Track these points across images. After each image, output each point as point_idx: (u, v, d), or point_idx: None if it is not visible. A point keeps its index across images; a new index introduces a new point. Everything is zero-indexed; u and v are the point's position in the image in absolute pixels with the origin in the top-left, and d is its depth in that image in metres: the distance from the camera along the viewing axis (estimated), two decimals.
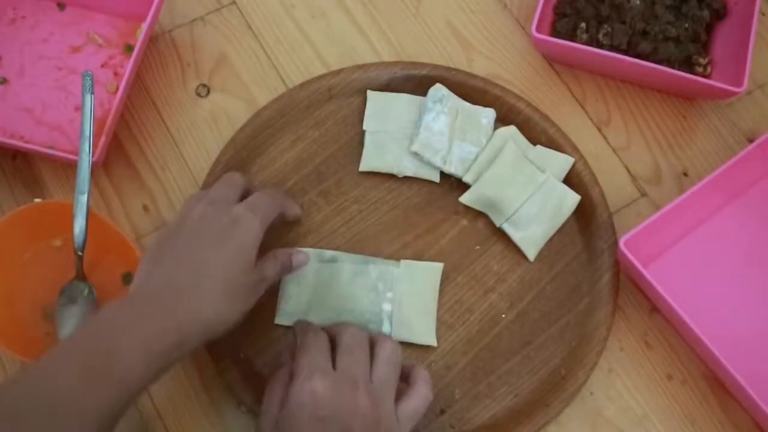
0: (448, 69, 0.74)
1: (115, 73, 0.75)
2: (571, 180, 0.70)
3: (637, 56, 0.73)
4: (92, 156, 0.65)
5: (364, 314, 0.65)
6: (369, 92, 0.73)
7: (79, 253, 0.64)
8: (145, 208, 0.71)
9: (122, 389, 0.50)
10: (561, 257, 0.69)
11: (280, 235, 0.68)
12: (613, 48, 0.73)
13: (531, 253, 0.68)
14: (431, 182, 0.71)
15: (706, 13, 0.75)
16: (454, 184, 0.70)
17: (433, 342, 0.65)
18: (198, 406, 0.64)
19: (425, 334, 0.65)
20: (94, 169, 0.65)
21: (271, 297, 0.66)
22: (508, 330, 0.66)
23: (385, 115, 0.72)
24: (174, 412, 0.64)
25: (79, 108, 0.69)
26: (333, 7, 0.79)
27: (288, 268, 0.64)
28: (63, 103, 0.73)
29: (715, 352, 0.60)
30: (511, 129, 0.71)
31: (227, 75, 0.76)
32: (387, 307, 0.65)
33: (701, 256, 0.69)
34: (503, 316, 0.67)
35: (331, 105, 0.73)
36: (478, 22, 0.79)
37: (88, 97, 0.65)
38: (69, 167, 0.71)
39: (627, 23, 0.74)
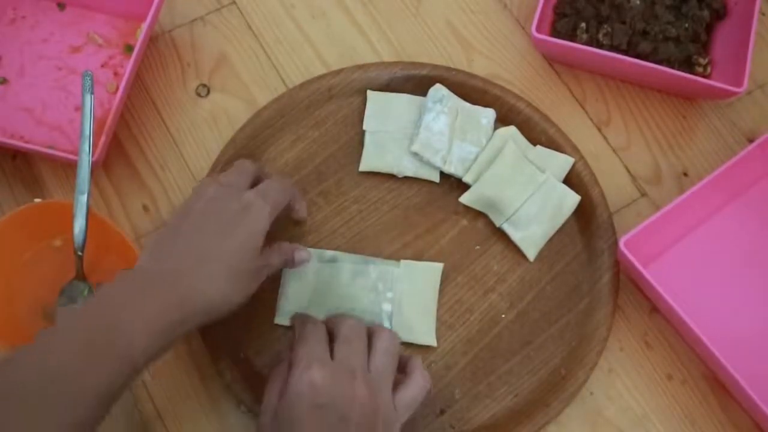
0: (448, 69, 0.74)
1: (115, 73, 0.75)
2: (571, 180, 0.70)
3: (637, 56, 0.73)
4: (92, 156, 0.65)
5: (364, 314, 0.65)
6: (369, 92, 0.73)
7: (79, 253, 0.64)
8: (145, 208, 0.71)
9: (122, 366, 0.50)
10: (561, 257, 0.69)
11: (281, 233, 0.68)
12: (613, 48, 0.73)
13: (531, 253, 0.68)
14: (431, 182, 0.71)
15: (706, 13, 0.75)
16: (454, 184, 0.70)
17: (433, 342, 0.65)
18: (198, 406, 0.64)
19: (425, 334, 0.65)
20: (94, 169, 0.65)
21: (270, 297, 0.66)
22: (508, 330, 0.66)
23: (385, 115, 0.72)
24: (174, 412, 0.64)
25: (79, 108, 0.69)
26: (333, 7, 0.79)
27: (290, 262, 0.64)
28: (63, 103, 0.73)
29: (715, 352, 0.60)
30: (511, 129, 0.71)
31: (227, 75, 0.76)
32: (387, 307, 0.65)
33: (701, 256, 0.69)
34: (503, 316, 0.67)
35: (331, 105, 0.73)
36: (478, 22, 0.79)
37: (88, 97, 0.65)
38: (69, 167, 0.71)
39: (627, 23, 0.74)
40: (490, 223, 0.69)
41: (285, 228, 0.68)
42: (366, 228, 0.69)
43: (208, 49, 0.77)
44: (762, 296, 0.68)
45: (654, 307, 0.67)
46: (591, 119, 0.75)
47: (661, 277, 0.62)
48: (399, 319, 0.65)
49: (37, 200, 0.69)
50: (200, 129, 0.74)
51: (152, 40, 0.77)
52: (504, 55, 0.78)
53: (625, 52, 0.73)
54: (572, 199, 0.69)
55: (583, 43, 0.74)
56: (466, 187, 0.69)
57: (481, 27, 0.79)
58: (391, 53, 0.77)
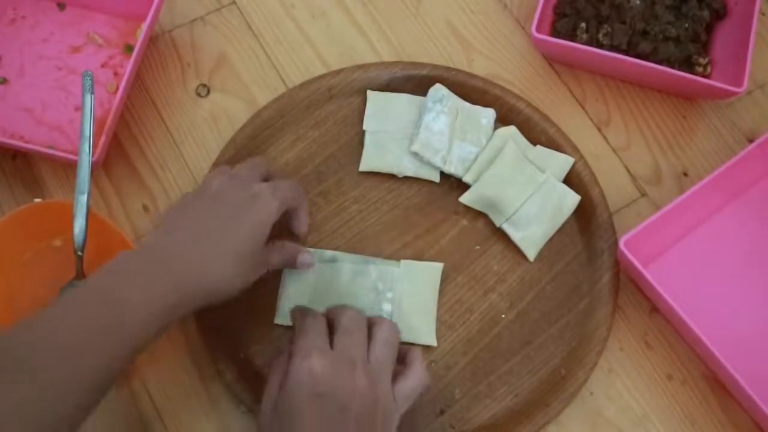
0: (448, 69, 0.74)
1: (115, 73, 0.75)
2: (571, 180, 0.70)
3: (637, 56, 0.73)
4: (92, 156, 0.65)
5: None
6: (369, 92, 0.73)
7: (79, 253, 0.64)
8: (145, 208, 0.71)
9: (122, 346, 0.51)
10: (561, 257, 0.69)
11: (281, 235, 0.68)
12: (613, 48, 0.73)
13: (531, 253, 0.68)
14: (431, 182, 0.71)
15: (706, 13, 0.75)
16: (454, 184, 0.70)
17: (433, 342, 0.65)
18: (198, 406, 0.64)
19: (425, 334, 0.65)
20: (94, 169, 0.65)
21: (271, 297, 0.66)
22: (508, 330, 0.66)
23: (385, 115, 0.72)
24: (174, 412, 0.64)
25: (79, 108, 0.69)
26: (333, 7, 0.79)
27: (291, 263, 0.64)
28: (63, 103, 0.73)
29: (715, 352, 0.60)
30: (511, 129, 0.71)
31: (227, 75, 0.76)
32: (387, 307, 0.65)
33: (701, 256, 0.69)
34: (503, 316, 0.67)
35: (331, 105, 0.74)
36: (478, 22, 0.79)
37: (88, 97, 0.65)
38: (69, 167, 0.71)
39: (627, 23, 0.74)
40: (490, 223, 0.69)
41: (285, 230, 0.68)
42: (366, 228, 0.69)
43: (208, 49, 0.77)
44: (762, 296, 0.68)
45: (654, 307, 0.67)
46: (591, 119, 0.75)
47: (661, 277, 0.62)
48: (399, 319, 0.65)
49: (37, 200, 0.69)
50: (200, 129, 0.74)
51: (152, 40, 0.77)
52: (504, 55, 0.78)
53: (625, 52, 0.73)
54: (572, 199, 0.69)
55: (583, 43, 0.74)
56: (466, 187, 0.69)
57: (481, 27, 0.79)
58: (391, 53, 0.77)
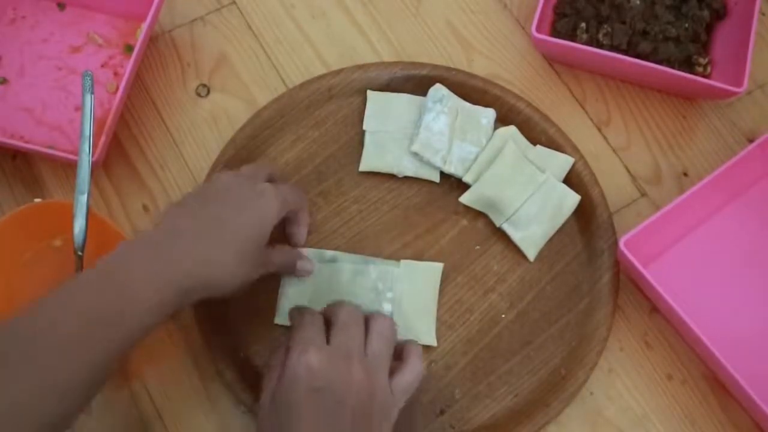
0: (448, 69, 0.74)
1: (115, 73, 0.75)
2: (571, 180, 0.70)
3: (637, 56, 0.73)
4: (92, 156, 0.65)
5: None
6: (369, 92, 0.73)
7: (79, 253, 0.64)
8: (145, 208, 0.71)
9: (123, 334, 0.51)
10: (561, 257, 0.69)
11: (282, 239, 0.68)
12: (613, 48, 0.73)
13: (531, 253, 0.68)
14: (431, 182, 0.71)
15: (706, 13, 0.75)
16: (454, 184, 0.70)
17: (434, 342, 0.65)
18: (198, 406, 0.64)
19: (425, 334, 0.65)
20: (94, 169, 0.65)
21: (271, 297, 0.66)
22: (508, 330, 0.66)
23: (385, 115, 0.72)
24: (174, 412, 0.64)
25: (79, 108, 0.69)
26: (333, 7, 0.79)
27: (291, 267, 0.64)
28: (63, 103, 0.73)
29: (715, 352, 0.60)
30: (511, 129, 0.71)
31: (227, 75, 0.76)
32: (387, 307, 0.65)
33: (701, 256, 0.69)
34: (503, 316, 0.67)
35: (331, 105, 0.74)
36: (478, 22, 0.79)
37: (88, 97, 0.65)
38: (69, 167, 0.71)
39: (627, 23, 0.74)
40: (490, 223, 0.69)
41: (285, 242, 0.68)
42: (366, 228, 0.69)
43: (208, 49, 0.77)
44: (762, 296, 0.68)
45: (654, 307, 0.67)
46: (591, 119, 0.75)
47: (661, 277, 0.62)
48: (399, 319, 0.65)
49: (37, 200, 0.69)
50: (200, 129, 0.74)
51: (152, 40, 0.77)
52: (504, 55, 0.78)
53: (625, 52, 0.73)
54: (572, 199, 0.69)
55: (583, 43, 0.74)
56: (466, 187, 0.69)
57: (481, 27, 0.79)
58: (391, 53, 0.77)
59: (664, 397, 0.65)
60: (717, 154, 0.74)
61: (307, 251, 0.67)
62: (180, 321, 0.66)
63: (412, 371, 0.57)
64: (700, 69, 0.74)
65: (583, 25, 0.75)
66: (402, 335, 0.64)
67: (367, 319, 0.58)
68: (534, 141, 0.72)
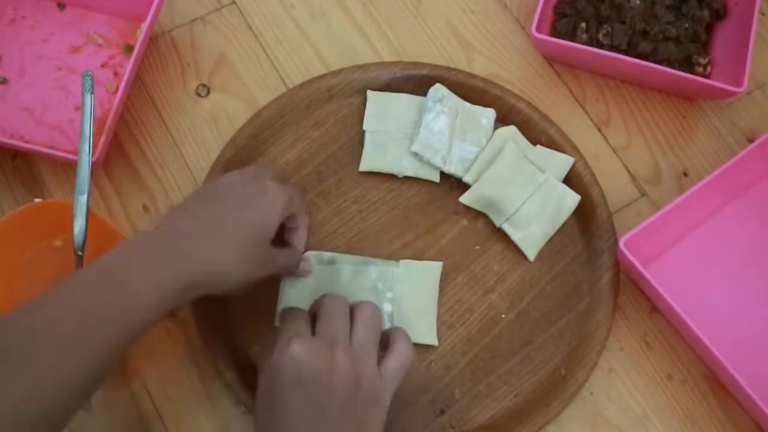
0: (448, 69, 0.74)
1: (115, 73, 0.75)
2: (571, 180, 0.70)
3: (637, 56, 0.73)
4: (92, 156, 0.65)
5: None
6: (369, 92, 0.73)
7: (79, 253, 0.64)
8: (145, 208, 0.71)
9: (124, 330, 0.51)
10: (561, 257, 0.69)
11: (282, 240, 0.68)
12: (613, 48, 0.73)
13: (531, 253, 0.68)
14: (431, 182, 0.71)
15: (706, 13, 0.75)
16: (454, 184, 0.70)
17: (434, 341, 0.65)
18: (198, 406, 0.64)
19: (425, 333, 0.65)
20: (94, 169, 0.65)
21: (270, 297, 0.66)
22: (508, 330, 0.66)
23: (385, 115, 0.72)
24: (174, 412, 0.64)
25: (79, 108, 0.69)
26: (333, 7, 0.79)
27: (293, 268, 0.65)
28: (63, 103, 0.73)
29: (715, 352, 0.60)
30: (511, 129, 0.71)
31: (227, 75, 0.76)
32: (387, 307, 0.65)
33: (701, 256, 0.69)
34: (503, 316, 0.67)
35: (331, 105, 0.74)
36: (478, 22, 0.79)
37: (88, 97, 0.65)
38: (69, 167, 0.71)
39: (627, 23, 0.74)
40: (490, 223, 0.69)
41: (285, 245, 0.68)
42: (366, 228, 0.69)
43: (208, 49, 0.77)
44: (762, 296, 0.68)
45: (654, 307, 0.67)
46: (591, 119, 0.75)
47: (661, 277, 0.62)
48: (399, 319, 0.65)
49: (37, 200, 0.69)
50: (200, 129, 0.74)
51: (152, 40, 0.77)
52: (504, 55, 0.78)
53: (625, 52, 0.73)
54: (572, 199, 0.69)
55: (583, 43, 0.74)
56: (466, 187, 0.69)
57: (481, 27, 0.79)
58: (391, 53, 0.77)
59: (664, 397, 0.65)
60: (717, 154, 0.74)
61: (306, 253, 0.67)
62: (179, 320, 0.66)
63: (399, 355, 0.57)
64: (700, 69, 0.74)
65: (583, 25, 0.75)
66: None
67: (352, 309, 0.58)
68: (534, 141, 0.72)
